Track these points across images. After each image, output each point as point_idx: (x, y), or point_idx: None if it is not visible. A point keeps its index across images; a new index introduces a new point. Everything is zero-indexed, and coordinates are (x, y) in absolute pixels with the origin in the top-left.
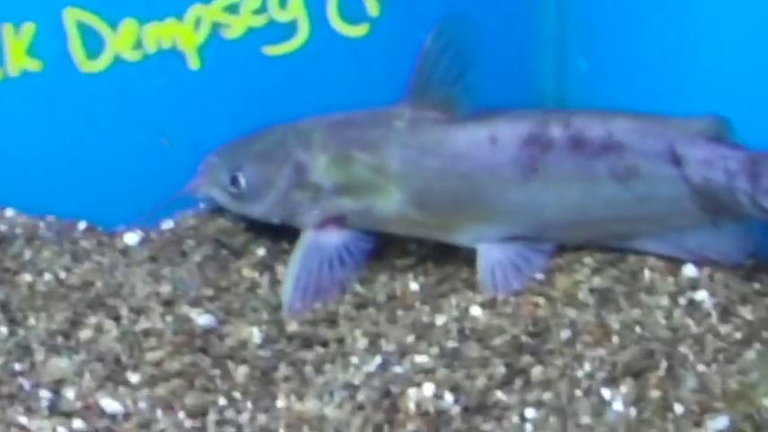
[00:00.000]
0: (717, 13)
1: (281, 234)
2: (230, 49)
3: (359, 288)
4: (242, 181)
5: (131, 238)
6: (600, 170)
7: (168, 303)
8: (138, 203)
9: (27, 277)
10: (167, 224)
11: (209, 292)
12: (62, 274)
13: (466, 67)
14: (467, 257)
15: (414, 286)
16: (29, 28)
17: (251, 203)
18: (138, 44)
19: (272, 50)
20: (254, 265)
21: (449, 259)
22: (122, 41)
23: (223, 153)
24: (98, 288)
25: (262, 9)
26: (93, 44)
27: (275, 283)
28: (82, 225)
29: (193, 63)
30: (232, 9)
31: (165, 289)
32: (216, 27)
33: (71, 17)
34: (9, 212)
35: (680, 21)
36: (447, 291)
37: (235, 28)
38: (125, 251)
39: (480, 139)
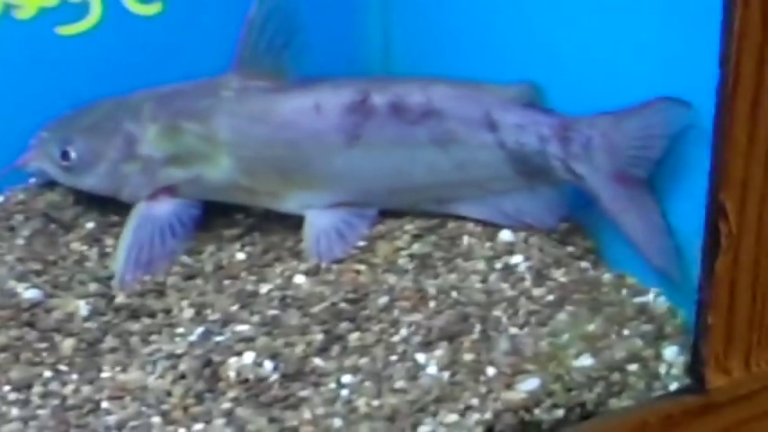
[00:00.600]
0: None
1: (110, 207)
2: (23, 29)
3: (187, 259)
4: (72, 154)
5: None
6: (420, 136)
7: None
8: None
9: None
10: None
11: (36, 266)
12: None
13: (291, 35)
14: (293, 226)
15: (240, 256)
16: None
17: (82, 176)
18: None
19: (64, 30)
20: (83, 239)
21: (275, 228)
22: None
23: (53, 127)
24: None
25: None
26: None
27: (104, 255)
28: None
29: None
30: None
31: None
32: (7, 7)
33: None
34: None
35: None
36: (272, 260)
37: (27, 8)
38: None
39: (305, 107)
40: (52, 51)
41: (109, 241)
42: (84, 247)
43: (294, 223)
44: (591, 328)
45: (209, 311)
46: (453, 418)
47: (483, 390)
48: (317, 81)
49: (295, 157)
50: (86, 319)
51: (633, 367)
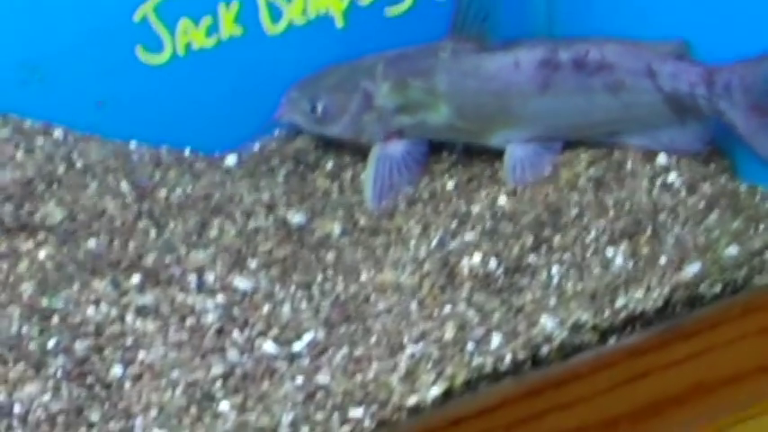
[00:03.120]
0: None
1: (344, 151)
2: (362, 11)
3: (407, 188)
4: (320, 108)
5: (231, 159)
6: (596, 84)
7: (269, 207)
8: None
9: (162, 193)
10: (254, 147)
11: (296, 198)
12: (188, 189)
13: (491, 8)
14: (488, 159)
15: (450, 184)
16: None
17: (328, 126)
18: (304, 11)
19: (390, 12)
20: (326, 176)
21: (474, 162)
22: (294, 10)
23: (302, 86)
24: (216, 198)
25: None
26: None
27: (343, 188)
28: (187, 151)
29: (339, 23)
30: None
31: (266, 197)
32: None
33: None
34: (132, 144)
35: None
36: (476, 186)
37: None
38: (228, 170)
39: (506, 64)
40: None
41: (346, 177)
42: (328, 183)
43: (489, 157)
44: (734, 225)
45: (431, 228)
46: (640, 294)
47: (659, 273)
48: (514, 43)
49: (498, 103)
50: (340, 236)
51: None
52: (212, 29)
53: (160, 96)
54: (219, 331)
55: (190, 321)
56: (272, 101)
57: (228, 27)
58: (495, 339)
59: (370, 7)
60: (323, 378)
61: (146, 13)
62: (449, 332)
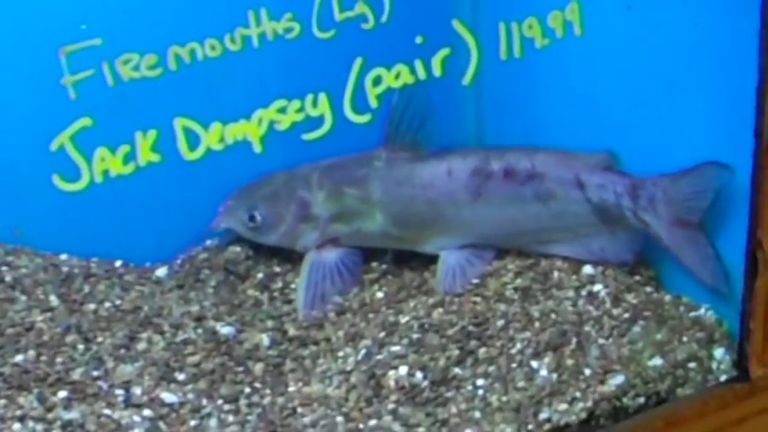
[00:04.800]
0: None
1: (275, 260)
2: (282, 137)
3: (337, 298)
4: (258, 217)
5: (161, 271)
6: (526, 194)
7: (198, 319)
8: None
9: (91, 306)
10: (185, 258)
11: (225, 308)
12: (117, 302)
13: (424, 117)
14: (418, 269)
15: (379, 294)
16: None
17: (266, 235)
18: (221, 138)
19: (308, 136)
20: (256, 286)
21: (404, 272)
22: (212, 138)
23: (239, 196)
24: (145, 311)
25: (301, 108)
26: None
27: (273, 299)
28: (118, 263)
29: (257, 148)
30: (282, 110)
31: (195, 308)
32: (272, 123)
33: (179, 123)
34: (63, 257)
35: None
36: (405, 296)
37: (284, 123)
38: (158, 281)
39: (440, 172)
40: (299, 151)
41: (276, 287)
42: (258, 293)
43: (419, 266)
44: (658, 336)
45: (359, 338)
46: (564, 406)
47: (583, 386)
48: (447, 152)
49: (432, 211)
50: (268, 347)
51: (692, 365)
52: (130, 156)
53: (81, 218)
54: None
55: None
56: (200, 216)
57: (146, 154)
58: None
59: (287, 132)
60: None
61: (62, 142)
62: None
